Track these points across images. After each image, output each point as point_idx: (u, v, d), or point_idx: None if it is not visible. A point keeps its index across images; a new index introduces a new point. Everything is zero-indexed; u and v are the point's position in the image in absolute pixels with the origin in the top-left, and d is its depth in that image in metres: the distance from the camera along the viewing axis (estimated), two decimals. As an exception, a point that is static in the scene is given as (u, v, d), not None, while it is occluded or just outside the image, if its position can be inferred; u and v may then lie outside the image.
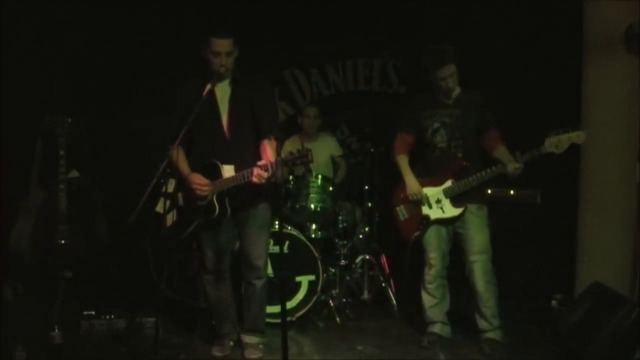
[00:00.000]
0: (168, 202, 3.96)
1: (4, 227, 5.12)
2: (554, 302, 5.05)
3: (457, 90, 4.28)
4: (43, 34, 5.54)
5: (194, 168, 4.04)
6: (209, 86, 3.90)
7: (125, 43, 5.77)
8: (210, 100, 3.99)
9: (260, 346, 4.20)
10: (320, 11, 6.11)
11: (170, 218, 4.03)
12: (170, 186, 4.02)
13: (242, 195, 3.99)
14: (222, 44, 3.93)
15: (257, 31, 5.74)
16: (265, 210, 4.13)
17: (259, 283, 4.16)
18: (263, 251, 4.17)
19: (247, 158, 3.97)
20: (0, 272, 5.04)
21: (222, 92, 4.05)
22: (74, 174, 5.27)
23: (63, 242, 4.90)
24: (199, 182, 3.97)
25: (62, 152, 4.91)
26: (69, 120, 4.92)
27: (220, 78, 3.99)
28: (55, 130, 4.90)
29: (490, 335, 4.29)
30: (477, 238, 4.25)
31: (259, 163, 3.80)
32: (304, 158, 3.67)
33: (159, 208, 4.12)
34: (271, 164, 3.73)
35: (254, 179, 3.79)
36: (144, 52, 5.81)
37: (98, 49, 5.71)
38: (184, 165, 4.02)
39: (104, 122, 5.72)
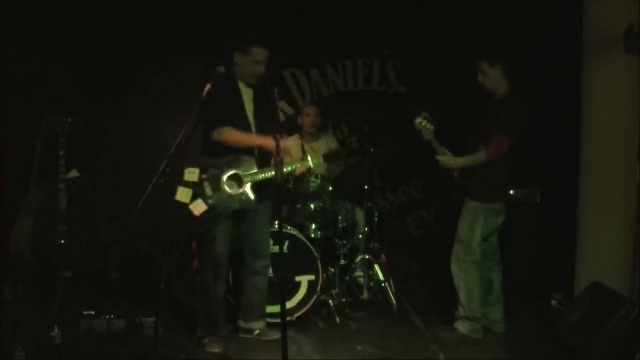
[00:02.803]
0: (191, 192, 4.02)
1: (4, 227, 5.12)
2: (554, 302, 5.05)
3: None
4: (43, 34, 5.53)
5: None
6: (208, 86, 3.96)
7: (125, 43, 5.76)
8: (239, 100, 4.27)
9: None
10: (320, 11, 6.11)
11: (197, 207, 4.07)
12: (194, 175, 4.04)
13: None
14: (264, 54, 4.27)
15: (257, 31, 5.73)
16: (270, 204, 4.40)
17: (266, 271, 4.48)
18: (270, 242, 4.53)
19: (263, 154, 4.25)
20: (0, 272, 5.04)
21: (247, 94, 4.33)
22: (74, 174, 5.26)
23: (63, 242, 4.89)
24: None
25: (62, 152, 4.91)
26: (69, 120, 4.92)
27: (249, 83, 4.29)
28: (55, 130, 4.90)
29: (456, 323, 4.48)
30: (459, 227, 4.46)
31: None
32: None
33: (180, 197, 4.03)
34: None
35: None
36: (145, 51, 5.81)
37: (98, 49, 5.71)
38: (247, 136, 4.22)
39: (104, 122, 5.72)
